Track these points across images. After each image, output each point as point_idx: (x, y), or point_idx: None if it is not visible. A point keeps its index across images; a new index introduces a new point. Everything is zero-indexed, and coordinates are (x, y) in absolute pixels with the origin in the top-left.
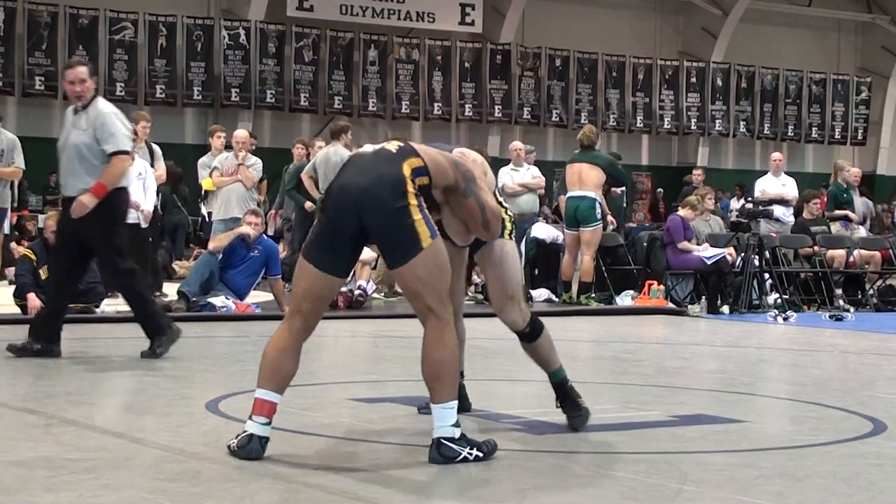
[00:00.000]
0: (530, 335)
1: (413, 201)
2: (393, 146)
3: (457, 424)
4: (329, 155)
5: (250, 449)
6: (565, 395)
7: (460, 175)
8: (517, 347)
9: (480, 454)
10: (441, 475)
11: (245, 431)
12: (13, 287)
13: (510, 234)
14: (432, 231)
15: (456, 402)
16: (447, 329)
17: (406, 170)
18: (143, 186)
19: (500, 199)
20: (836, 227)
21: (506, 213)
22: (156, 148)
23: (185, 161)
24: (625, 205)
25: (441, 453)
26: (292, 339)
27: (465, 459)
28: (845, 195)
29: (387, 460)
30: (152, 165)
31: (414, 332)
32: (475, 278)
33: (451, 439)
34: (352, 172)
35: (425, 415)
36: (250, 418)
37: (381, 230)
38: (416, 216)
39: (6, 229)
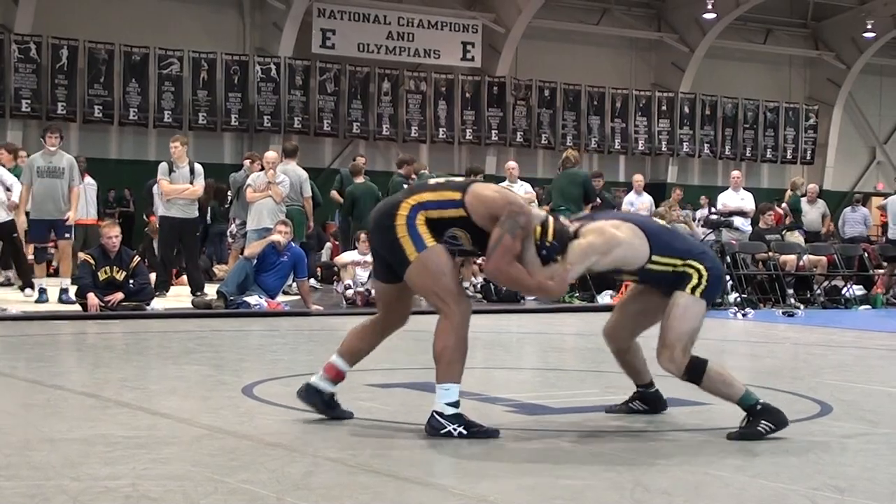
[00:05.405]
0: (691, 381)
1: (400, 222)
2: (429, 183)
3: (454, 404)
4: (287, 171)
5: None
6: (755, 414)
7: (507, 211)
8: (512, 340)
9: (465, 432)
10: (444, 452)
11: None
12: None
13: (692, 290)
14: (418, 245)
15: (455, 385)
16: (452, 323)
17: (404, 208)
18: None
19: (676, 261)
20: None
21: (697, 273)
22: (197, 166)
23: (224, 179)
24: None
25: (430, 424)
26: (369, 322)
27: (450, 434)
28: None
29: (396, 438)
30: (191, 182)
31: (423, 326)
32: (473, 278)
33: (441, 414)
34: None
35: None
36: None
37: (381, 249)
38: (401, 234)
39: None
